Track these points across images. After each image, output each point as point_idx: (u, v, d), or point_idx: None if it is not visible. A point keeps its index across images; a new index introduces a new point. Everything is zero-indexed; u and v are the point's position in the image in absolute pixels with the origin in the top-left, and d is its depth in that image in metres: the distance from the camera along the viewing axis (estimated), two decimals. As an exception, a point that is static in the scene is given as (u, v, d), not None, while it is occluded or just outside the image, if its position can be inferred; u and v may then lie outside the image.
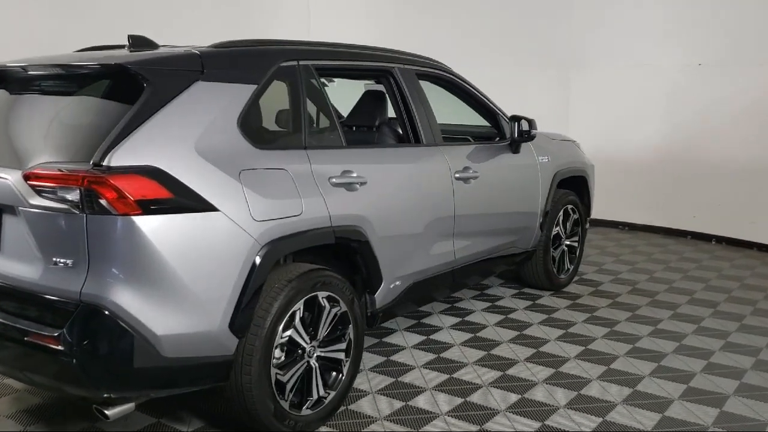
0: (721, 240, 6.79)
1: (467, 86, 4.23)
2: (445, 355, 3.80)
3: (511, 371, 3.60)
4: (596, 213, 7.57)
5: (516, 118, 4.27)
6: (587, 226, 5.48)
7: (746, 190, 6.49)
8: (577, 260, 5.24)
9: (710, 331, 4.25)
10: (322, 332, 2.96)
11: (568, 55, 7.49)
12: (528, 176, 4.52)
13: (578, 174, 5.16)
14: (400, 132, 3.84)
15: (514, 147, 4.36)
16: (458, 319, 4.37)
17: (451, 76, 4.13)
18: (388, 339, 4.02)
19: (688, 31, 6.79)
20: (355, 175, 3.13)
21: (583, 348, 3.95)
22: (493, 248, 4.25)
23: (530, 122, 4.25)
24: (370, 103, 4.07)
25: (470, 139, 4.69)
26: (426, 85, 3.96)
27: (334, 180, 3.03)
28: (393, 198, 3.35)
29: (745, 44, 6.40)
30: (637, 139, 7.19)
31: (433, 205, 3.62)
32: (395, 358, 3.76)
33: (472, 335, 4.11)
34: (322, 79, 4.85)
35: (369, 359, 3.71)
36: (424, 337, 4.04)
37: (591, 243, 6.73)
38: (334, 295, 2.99)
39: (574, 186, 5.21)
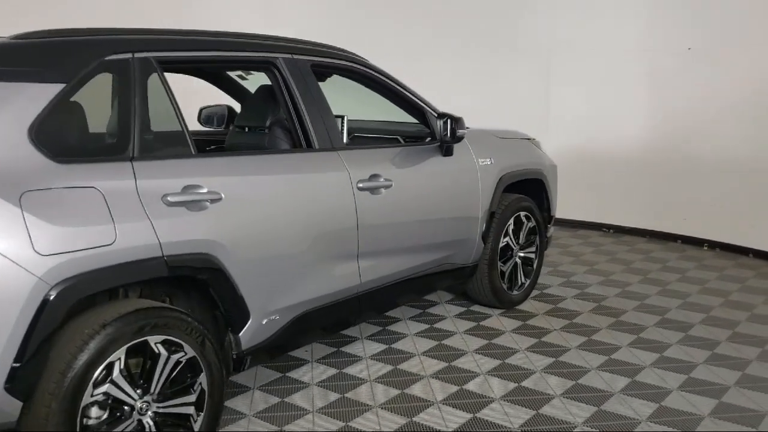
0: (714, 245, 6.10)
1: (385, 79, 3.64)
2: (351, 395, 3.25)
3: (419, 418, 3.03)
4: (578, 214, 6.96)
5: (443, 116, 3.67)
6: (549, 233, 4.86)
7: (742, 190, 5.80)
8: (534, 273, 4.63)
9: (672, 364, 3.62)
10: (158, 385, 2.42)
11: (547, 41, 6.82)
12: (463, 182, 3.92)
13: (533, 176, 4.55)
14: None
15: (445, 149, 3.76)
16: (384, 346, 3.81)
17: (363, 68, 3.55)
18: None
19: (675, 11, 6.09)
20: (204, 190, 2.58)
21: (515, 386, 3.36)
22: (418, 266, 3.68)
23: (457, 121, 3.65)
24: (261, 99, 3.51)
25: (400, 140, 4.11)
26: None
27: (171, 198, 2.48)
28: (262, 216, 2.79)
29: (739, 26, 5.69)
30: (622, 132, 6.52)
31: (325, 221, 3.05)
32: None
33: (393, 367, 3.54)
34: (239, 73, 4.35)
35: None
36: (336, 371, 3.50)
37: (567, 249, 6.10)
38: (174, 338, 2.45)
39: (529, 190, 4.60)
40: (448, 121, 3.63)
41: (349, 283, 3.24)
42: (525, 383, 3.38)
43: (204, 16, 6.94)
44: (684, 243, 6.28)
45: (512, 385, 3.35)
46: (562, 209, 6.95)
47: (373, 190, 3.28)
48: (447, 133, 3.66)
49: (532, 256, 4.60)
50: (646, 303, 4.60)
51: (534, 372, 3.51)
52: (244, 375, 3.39)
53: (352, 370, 3.51)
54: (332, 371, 3.48)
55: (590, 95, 6.64)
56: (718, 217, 6.02)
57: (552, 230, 5.00)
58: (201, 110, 4.67)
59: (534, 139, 4.86)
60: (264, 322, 2.85)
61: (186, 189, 2.53)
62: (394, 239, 3.46)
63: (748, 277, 5.25)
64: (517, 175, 4.35)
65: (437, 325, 4.17)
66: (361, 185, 3.21)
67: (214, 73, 4.26)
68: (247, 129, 3.48)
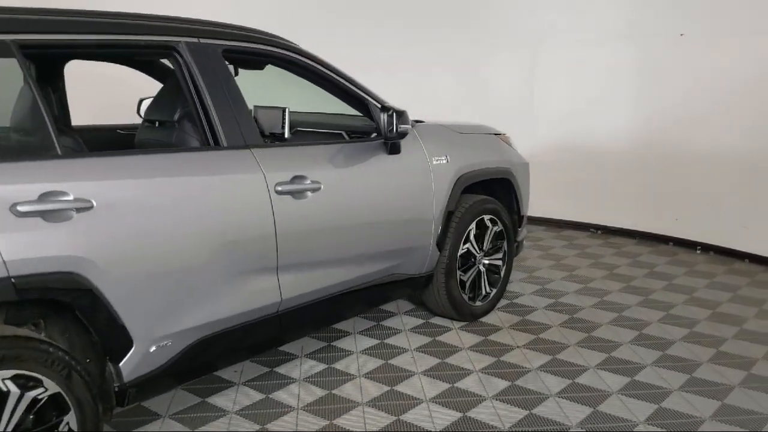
0: (707, 248, 5.65)
1: (318, 66, 3.22)
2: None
3: (338, 458, 2.64)
4: (564, 214, 6.51)
5: (386, 109, 3.25)
6: (520, 237, 4.44)
7: (740, 190, 5.34)
8: (501, 282, 4.21)
9: (643, 390, 3.20)
10: (8, 427, 2.04)
11: (530, 30, 6.36)
12: (412, 183, 3.50)
13: (499, 176, 4.12)
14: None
15: (390, 146, 3.34)
16: (324, 366, 3.41)
17: (289, 53, 3.13)
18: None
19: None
20: (69, 198, 2.19)
21: (459, 416, 2.95)
22: (356, 278, 3.27)
23: (400, 114, 3.23)
24: (169, 90, 3.11)
25: (345, 136, 3.70)
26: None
27: (22, 208, 2.09)
28: (146, 226, 2.39)
29: (737, 10, 5.21)
30: (610, 124, 6.06)
31: (230, 231, 2.64)
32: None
33: (327, 392, 3.15)
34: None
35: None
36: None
37: (548, 252, 5.66)
38: (30, 372, 2.07)
39: (496, 190, 4.18)
40: (392, 114, 3.21)
41: (267, 300, 2.84)
42: (472, 413, 2.97)
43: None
44: (676, 245, 5.83)
45: (456, 416, 2.95)
46: (546, 209, 6.55)
47: (297, 194, 2.87)
48: (390, 129, 3.24)
49: (499, 263, 4.18)
50: (624, 315, 4.17)
51: (484, 399, 3.10)
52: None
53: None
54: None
55: (576, 86, 6.18)
56: (712, 219, 5.56)
57: (524, 233, 4.58)
58: (140, 101, 4.28)
59: (504, 134, 4.43)
60: (152, 350, 2.45)
61: (44, 196, 2.14)
62: (325, 249, 3.06)
63: (740, 285, 4.80)
64: (479, 174, 3.92)
65: (389, 341, 3.76)
66: (280, 188, 2.80)
67: (145, 61, 3.85)
68: (157, 123, 3.08)
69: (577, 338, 3.81)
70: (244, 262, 2.71)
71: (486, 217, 3.99)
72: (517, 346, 3.70)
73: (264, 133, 3.94)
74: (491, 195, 4.23)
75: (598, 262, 5.37)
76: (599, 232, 6.34)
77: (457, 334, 3.87)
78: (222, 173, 2.64)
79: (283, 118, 3.79)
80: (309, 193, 2.92)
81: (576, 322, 4.05)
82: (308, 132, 3.85)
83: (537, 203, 6.59)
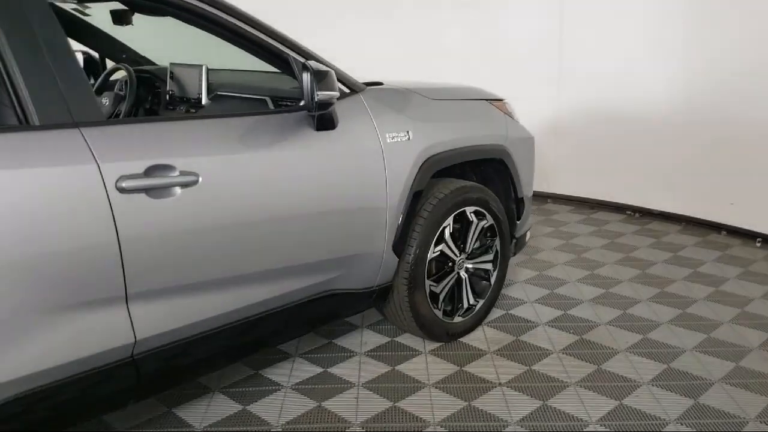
0: (769, 239, 4.57)
1: (218, 14, 2.31)
2: None
3: None
4: (597, 192, 5.49)
5: (306, 68, 2.33)
6: (522, 231, 3.51)
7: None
8: (492, 291, 3.30)
9: (659, 467, 2.28)
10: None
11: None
12: (351, 169, 2.59)
13: (488, 156, 3.18)
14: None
15: (318, 119, 2.42)
16: (240, 407, 2.61)
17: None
18: None
19: None
20: None
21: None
22: (261, 303, 2.41)
23: (320, 76, 2.30)
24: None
25: (269, 103, 2.80)
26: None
27: None
28: None
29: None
30: (652, 86, 4.96)
31: (35, 248, 1.81)
32: None
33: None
34: (72, 5, 3.14)
35: None
36: None
37: (569, 241, 4.69)
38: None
39: (488, 173, 3.26)
40: (309, 75, 2.29)
41: (112, 342, 2.02)
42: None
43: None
44: (730, 235, 4.76)
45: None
46: (574, 186, 5.53)
47: (156, 191, 2.02)
48: (313, 96, 2.33)
49: (489, 266, 3.27)
50: (649, 338, 3.21)
51: (431, 475, 2.24)
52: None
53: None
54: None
55: (612, 39, 5.08)
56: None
57: (528, 225, 3.63)
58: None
59: (503, 100, 3.45)
60: None
61: None
62: (206, 267, 2.20)
63: (810, 294, 3.75)
64: (458, 155, 2.99)
65: (333, 370, 2.93)
66: (126, 184, 1.95)
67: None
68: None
69: (583, 372, 2.88)
70: (64, 291, 1.88)
71: (469, 210, 3.07)
72: (499, 384, 2.80)
73: (181, 99, 3.12)
74: (483, 180, 3.31)
75: (630, 257, 4.37)
76: (637, 215, 5.29)
77: (425, 361, 3.00)
78: (22, 164, 1.79)
79: (200, 80, 2.95)
80: (177, 189, 2.06)
81: (584, 347, 3.11)
82: (233, 98, 2.97)
83: (563, 179, 5.60)
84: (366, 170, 2.62)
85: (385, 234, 2.73)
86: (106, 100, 3.31)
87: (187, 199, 2.08)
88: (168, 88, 3.13)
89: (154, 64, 3.69)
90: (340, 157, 2.55)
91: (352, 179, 2.58)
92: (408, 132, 2.76)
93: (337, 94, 2.35)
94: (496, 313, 3.47)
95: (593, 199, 5.51)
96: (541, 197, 5.67)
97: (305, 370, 2.91)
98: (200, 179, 2.10)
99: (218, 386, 2.78)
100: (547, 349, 3.09)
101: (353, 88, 2.70)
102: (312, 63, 2.33)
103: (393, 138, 2.70)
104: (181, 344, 2.20)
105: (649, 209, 5.23)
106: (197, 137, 2.19)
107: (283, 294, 2.45)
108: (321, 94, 2.28)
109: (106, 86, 3.47)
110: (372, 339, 3.21)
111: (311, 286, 2.56)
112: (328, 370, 2.92)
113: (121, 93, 3.26)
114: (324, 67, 2.32)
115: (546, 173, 5.40)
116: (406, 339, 3.20)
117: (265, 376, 2.87)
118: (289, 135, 2.40)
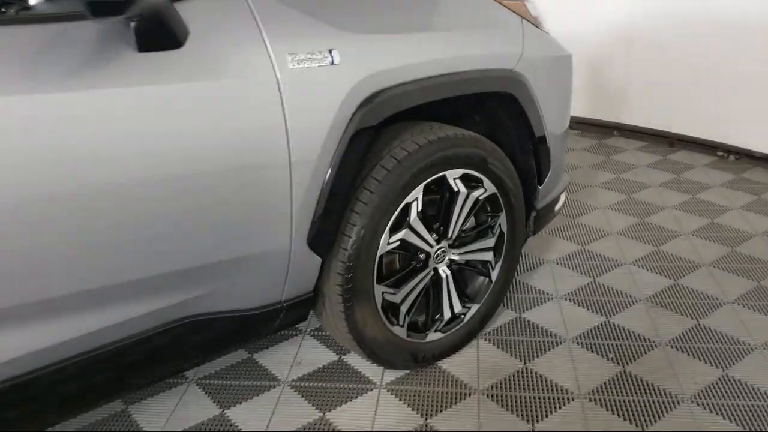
0: None
1: None
2: None
3: None
4: (678, 126, 4.16)
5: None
6: (546, 201, 2.36)
7: None
8: (492, 291, 2.21)
9: None
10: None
11: None
12: (211, 120, 1.49)
13: (487, 88, 2.01)
14: None
15: (143, 30, 1.33)
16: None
17: None
18: None
19: None
20: None
21: None
22: (61, 345, 1.43)
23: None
24: None
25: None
26: None
27: None
28: None
29: None
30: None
31: None
32: None
33: None
34: None
35: None
36: None
37: (632, 195, 3.48)
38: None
39: (497, 115, 2.12)
40: None
41: None
42: None
43: None
44: None
45: None
46: (650, 117, 4.21)
47: None
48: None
49: (488, 256, 2.16)
50: (731, 375, 2.06)
51: None
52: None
53: None
54: None
55: None
56: None
57: (561, 188, 2.47)
58: None
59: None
60: None
61: None
62: None
63: None
64: (427, 89, 1.82)
65: (232, 412, 1.96)
66: None
67: None
68: None
69: (607, 425, 1.81)
70: None
71: (452, 175, 1.94)
72: (476, 459, 1.77)
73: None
74: (489, 120, 2.18)
75: (714, 223, 3.13)
76: (731, 157, 3.96)
77: (374, 404, 1.98)
78: None
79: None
80: None
81: (618, 385, 2.01)
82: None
83: (635, 105, 4.28)
84: (244, 122, 1.52)
85: (291, 223, 1.66)
86: None
87: None
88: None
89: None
90: (189, 99, 1.45)
91: (214, 138, 1.49)
92: (330, 51, 1.62)
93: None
94: (502, 317, 2.39)
95: (675, 134, 4.17)
96: (604, 128, 4.39)
97: (199, 406, 1.96)
98: None
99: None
100: (569, 391, 2.01)
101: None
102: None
103: (300, 62, 1.57)
104: None
105: (747, 150, 3.88)
106: None
107: (92, 331, 1.45)
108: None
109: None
110: (310, 355, 2.21)
111: (156, 313, 1.55)
112: (225, 412, 1.96)
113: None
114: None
115: (611, 96, 4.11)
116: (358, 360, 2.18)
117: (132, 416, 1.94)
118: (101, 59, 1.33)
